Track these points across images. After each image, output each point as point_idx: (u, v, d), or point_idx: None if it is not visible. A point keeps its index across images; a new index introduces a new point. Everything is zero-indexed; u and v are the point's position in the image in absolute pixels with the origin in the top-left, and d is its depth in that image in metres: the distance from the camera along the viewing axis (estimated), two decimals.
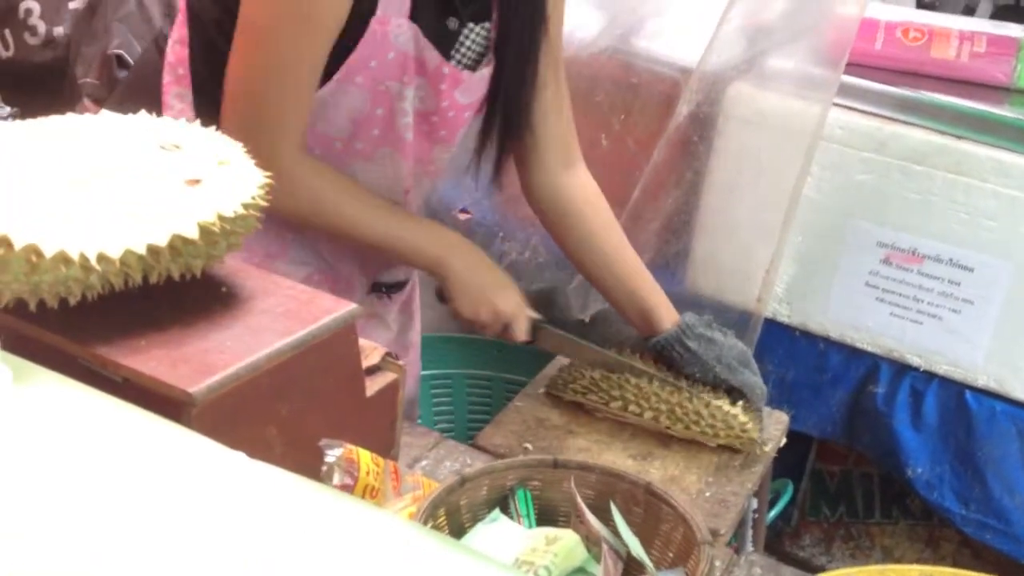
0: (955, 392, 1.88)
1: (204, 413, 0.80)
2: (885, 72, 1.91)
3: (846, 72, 1.82)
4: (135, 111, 1.01)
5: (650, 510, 0.95)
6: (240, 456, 0.71)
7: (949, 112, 1.83)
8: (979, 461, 1.89)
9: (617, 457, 1.40)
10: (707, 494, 1.35)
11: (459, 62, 1.30)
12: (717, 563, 1.09)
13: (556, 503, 0.97)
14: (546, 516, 0.97)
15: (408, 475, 1.01)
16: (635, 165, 1.93)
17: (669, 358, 1.47)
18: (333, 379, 0.96)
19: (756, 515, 1.64)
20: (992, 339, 1.84)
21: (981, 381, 1.86)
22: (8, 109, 2.15)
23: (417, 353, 1.63)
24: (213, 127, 1.00)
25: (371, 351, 1.07)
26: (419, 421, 2.39)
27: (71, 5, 2.47)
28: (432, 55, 1.26)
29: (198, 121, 1.00)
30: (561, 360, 1.58)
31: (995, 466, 1.88)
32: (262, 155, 1.23)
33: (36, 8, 2.32)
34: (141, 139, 0.95)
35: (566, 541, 0.85)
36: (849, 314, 1.93)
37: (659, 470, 1.38)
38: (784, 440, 1.55)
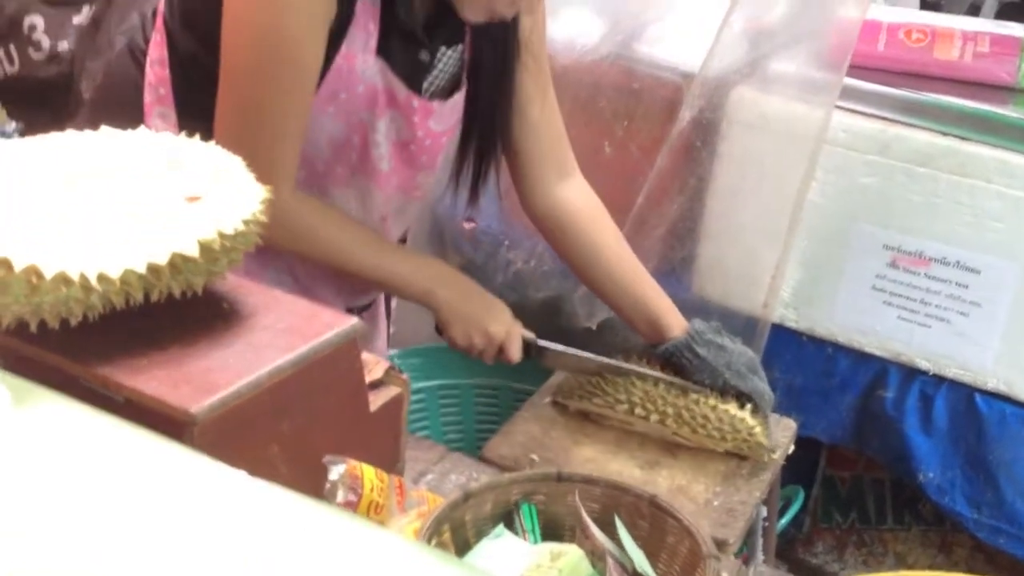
0: (965, 395, 1.87)
1: (206, 432, 0.80)
2: (888, 74, 1.91)
3: (849, 74, 1.82)
4: (109, 123, 1.01)
5: (655, 523, 0.94)
6: (241, 475, 0.70)
7: (953, 113, 1.82)
8: (990, 465, 1.87)
9: (624, 466, 1.39)
10: (715, 503, 1.34)
11: (431, 92, 1.31)
12: (724, 575, 1.08)
13: (561, 517, 0.96)
14: (551, 530, 0.96)
15: (413, 490, 1.00)
16: (639, 171, 1.92)
17: (678, 365, 1.46)
18: (336, 395, 0.96)
19: (766, 523, 1.63)
20: (1001, 341, 1.83)
21: (991, 384, 1.85)
22: (14, 124, 2.15)
23: (379, 348, 1.63)
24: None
25: (374, 365, 1.06)
26: (428, 433, 2.39)
27: (75, 20, 2.48)
28: (400, 88, 1.26)
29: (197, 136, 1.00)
30: None
31: (1007, 469, 1.87)
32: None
33: (40, 23, 2.32)
34: (141, 156, 0.95)
35: (571, 556, 0.84)
36: (856, 318, 1.92)
37: (666, 479, 1.38)
38: (792, 447, 1.54)
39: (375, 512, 0.91)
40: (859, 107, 1.88)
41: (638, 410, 1.42)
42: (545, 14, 1.41)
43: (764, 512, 1.61)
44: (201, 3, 1.24)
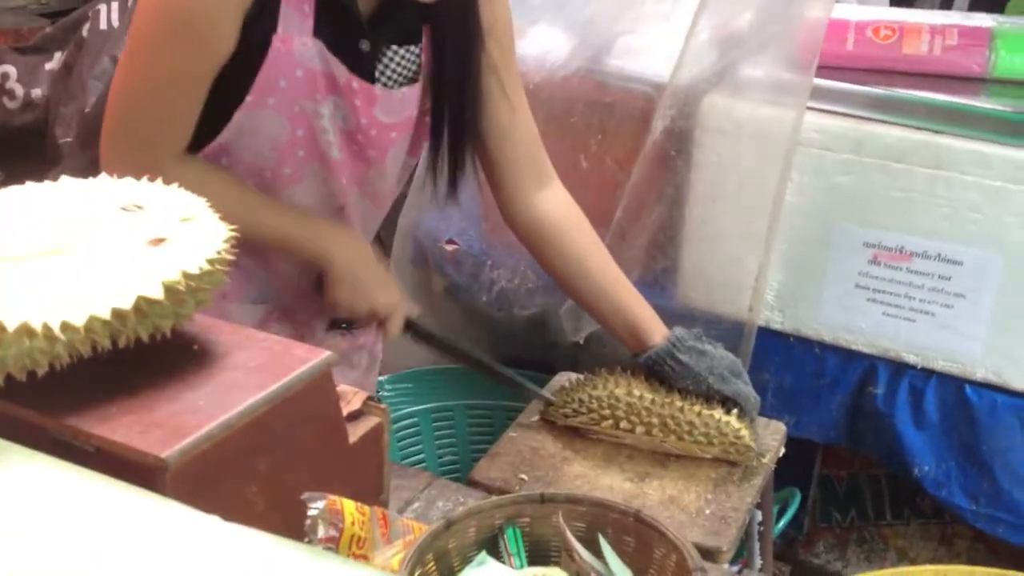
0: (954, 387, 1.87)
1: (178, 477, 0.79)
2: (858, 72, 1.91)
3: (819, 75, 1.82)
4: (93, 160, 1.01)
5: (641, 538, 0.93)
6: (214, 520, 0.70)
7: (925, 107, 1.83)
8: (985, 455, 1.87)
9: (614, 480, 1.39)
10: (707, 512, 1.33)
11: (384, 83, 1.29)
12: None
13: (547, 538, 0.96)
14: (538, 552, 0.95)
15: (398, 520, 1.00)
16: (616, 184, 1.92)
17: (661, 372, 1.46)
18: (313, 429, 0.95)
19: (762, 528, 1.62)
20: (987, 331, 1.83)
21: (980, 374, 1.85)
22: None
23: (373, 382, 1.63)
24: None
25: (352, 396, 1.06)
26: (422, 457, 2.38)
27: (47, 66, 2.48)
28: (341, 71, 1.25)
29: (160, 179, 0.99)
30: (557, 384, 1.57)
31: (1001, 459, 1.86)
32: (138, 161, 1.22)
33: (12, 72, 2.33)
34: (102, 202, 0.95)
35: None
36: (842, 317, 1.92)
37: (657, 491, 1.37)
38: (783, 450, 1.53)
39: (358, 546, 0.91)
40: (831, 107, 1.88)
41: (623, 423, 1.42)
42: (511, 19, 1.41)
43: (759, 517, 1.60)
44: None
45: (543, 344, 2.08)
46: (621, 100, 1.91)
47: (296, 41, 1.22)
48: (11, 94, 2.36)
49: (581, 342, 2.00)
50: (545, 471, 1.40)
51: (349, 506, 0.91)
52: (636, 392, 1.43)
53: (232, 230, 1.23)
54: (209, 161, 1.28)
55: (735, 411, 1.42)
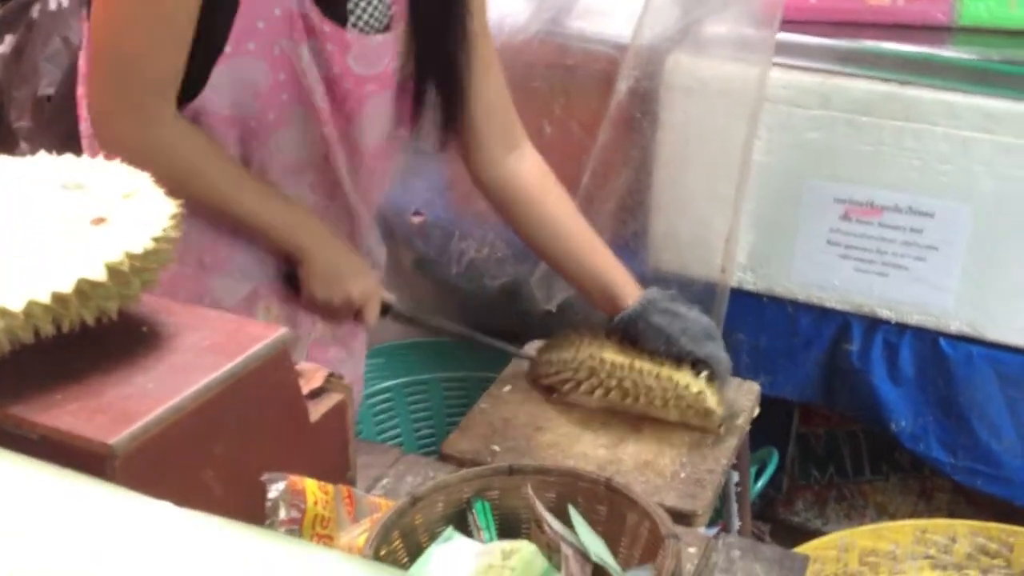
0: (929, 341, 1.86)
1: (128, 464, 0.77)
2: (823, 25, 1.88)
3: (783, 29, 1.79)
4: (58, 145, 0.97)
5: (614, 506, 0.91)
6: (166, 506, 0.67)
7: (891, 59, 1.80)
8: (962, 407, 1.86)
9: (588, 448, 1.37)
10: (682, 475, 1.31)
11: (358, 27, 1.25)
12: (692, 550, 1.06)
13: (517, 511, 0.93)
14: (508, 525, 0.93)
15: (365, 499, 0.97)
16: (581, 148, 1.89)
17: (634, 334, 1.44)
18: (271, 409, 0.92)
19: (739, 489, 1.61)
20: (960, 283, 1.81)
21: (954, 327, 1.84)
22: None
23: (362, 368, 1.58)
24: None
25: (313, 373, 1.03)
26: (398, 432, 2.36)
27: None
28: (314, 13, 1.21)
29: (101, 155, 0.96)
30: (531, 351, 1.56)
31: (978, 411, 1.86)
32: (135, 114, 1.18)
33: None
34: (41, 181, 0.91)
35: (523, 553, 0.81)
36: (814, 274, 1.90)
37: (632, 456, 1.35)
38: (757, 410, 1.52)
39: (322, 526, 0.88)
40: (797, 61, 1.85)
41: (583, 387, 1.40)
42: None
43: (736, 478, 1.59)
44: None
45: (515, 313, 2.05)
46: (583, 62, 1.88)
47: None
48: None
49: (554, 310, 1.98)
50: (517, 441, 1.38)
51: (311, 486, 0.89)
52: (599, 355, 1.40)
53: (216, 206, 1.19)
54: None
55: (704, 374, 1.40)
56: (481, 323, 2.34)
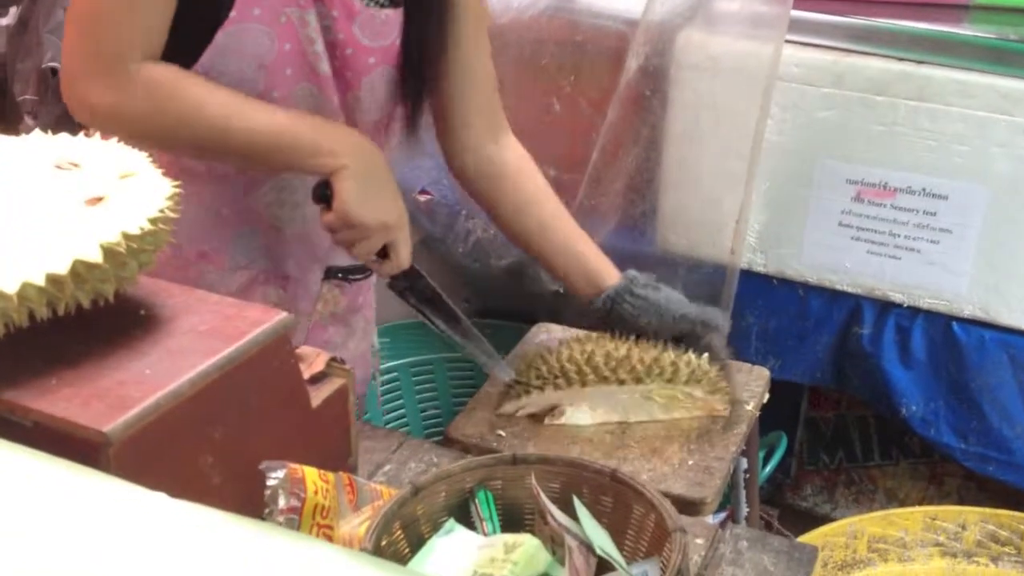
0: (941, 325, 1.83)
1: (123, 452, 0.75)
2: (837, 2, 1.85)
3: (797, 6, 1.76)
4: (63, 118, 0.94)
5: (619, 498, 0.89)
6: (160, 497, 0.65)
7: (906, 37, 1.77)
8: (974, 392, 1.84)
9: (595, 434, 1.34)
10: (690, 462, 1.29)
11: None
12: (699, 541, 1.04)
13: (521, 501, 0.91)
14: (512, 515, 0.91)
15: (366, 486, 0.95)
16: (591, 126, 1.87)
17: (620, 311, 1.40)
18: (271, 395, 0.90)
19: (748, 475, 1.59)
20: (974, 266, 1.79)
21: (967, 311, 1.81)
22: None
23: (368, 345, 1.55)
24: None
25: (314, 358, 1.01)
26: (403, 412, 2.35)
27: (2, 22, 2.40)
28: None
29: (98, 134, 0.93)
30: (534, 338, 1.52)
31: (990, 396, 1.83)
32: (109, 67, 1.13)
33: None
34: (35, 160, 0.89)
35: (526, 547, 0.79)
36: (826, 256, 1.88)
37: (639, 443, 1.33)
38: (767, 395, 1.49)
39: (322, 516, 0.86)
40: (810, 39, 1.82)
41: (573, 374, 1.36)
42: None
43: (744, 464, 1.57)
44: None
45: (522, 294, 2.03)
46: (593, 39, 1.84)
47: None
48: None
49: (561, 290, 1.95)
50: (523, 427, 1.35)
51: (311, 474, 0.87)
52: (588, 348, 1.36)
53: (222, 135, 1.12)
54: None
55: (704, 356, 1.37)
56: (488, 304, 2.32)
